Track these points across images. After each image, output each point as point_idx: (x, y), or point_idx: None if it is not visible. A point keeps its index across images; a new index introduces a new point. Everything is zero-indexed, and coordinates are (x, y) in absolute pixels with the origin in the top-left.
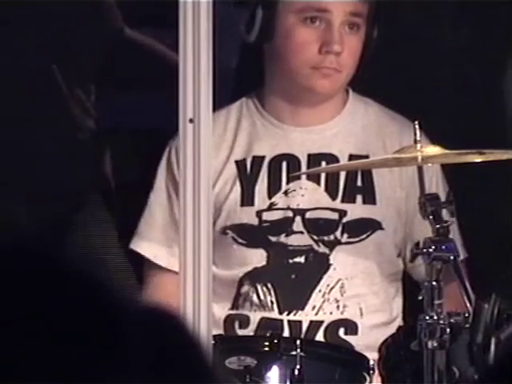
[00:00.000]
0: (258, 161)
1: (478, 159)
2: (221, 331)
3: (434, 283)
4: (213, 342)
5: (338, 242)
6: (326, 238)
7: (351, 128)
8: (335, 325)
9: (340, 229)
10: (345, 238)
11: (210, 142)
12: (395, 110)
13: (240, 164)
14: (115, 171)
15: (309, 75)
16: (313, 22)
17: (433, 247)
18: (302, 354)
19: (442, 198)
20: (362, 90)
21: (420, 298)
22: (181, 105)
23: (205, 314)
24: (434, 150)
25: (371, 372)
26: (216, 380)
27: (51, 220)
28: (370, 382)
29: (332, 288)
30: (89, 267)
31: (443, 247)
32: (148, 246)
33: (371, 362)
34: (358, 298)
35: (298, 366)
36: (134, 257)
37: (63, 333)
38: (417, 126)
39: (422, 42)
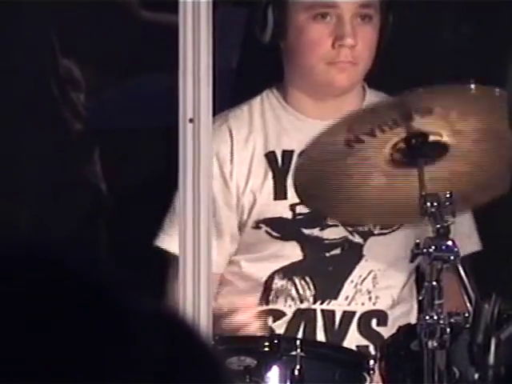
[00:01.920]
0: (287, 154)
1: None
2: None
3: (434, 283)
4: (213, 342)
5: (371, 233)
6: (360, 229)
7: None
8: (368, 316)
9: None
10: (378, 230)
11: (210, 142)
12: None
13: (270, 157)
14: (114, 172)
15: (325, 71)
16: (324, 18)
17: (433, 247)
18: (301, 354)
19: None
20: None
21: (420, 298)
22: (181, 105)
23: (205, 315)
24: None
25: (371, 372)
26: (226, 380)
27: (46, 221)
28: (370, 382)
29: (364, 279)
30: (97, 269)
31: (443, 247)
32: (172, 241)
33: (371, 362)
34: (390, 289)
35: (297, 366)
36: (157, 254)
37: (71, 335)
38: None
39: (423, 40)
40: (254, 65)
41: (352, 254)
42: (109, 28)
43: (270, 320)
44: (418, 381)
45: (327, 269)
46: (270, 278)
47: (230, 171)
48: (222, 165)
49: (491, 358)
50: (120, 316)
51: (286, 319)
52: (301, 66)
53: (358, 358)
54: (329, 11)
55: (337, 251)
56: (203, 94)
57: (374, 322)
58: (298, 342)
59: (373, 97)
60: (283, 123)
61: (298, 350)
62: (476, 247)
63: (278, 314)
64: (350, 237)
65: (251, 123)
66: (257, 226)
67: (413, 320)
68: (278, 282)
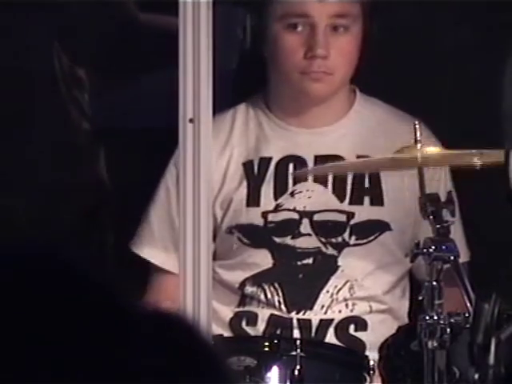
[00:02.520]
0: (264, 162)
1: (479, 160)
2: (227, 331)
3: (434, 283)
4: (213, 341)
5: (346, 244)
6: (334, 240)
7: (358, 129)
8: (346, 322)
9: (348, 231)
10: (353, 240)
11: (210, 142)
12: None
13: (247, 165)
14: (115, 172)
15: (299, 81)
16: (296, 28)
17: (433, 247)
18: (301, 354)
19: (443, 197)
20: (368, 90)
21: (420, 298)
22: (181, 105)
23: (205, 315)
24: (434, 150)
25: (371, 372)
26: (229, 380)
27: (50, 221)
28: (370, 382)
29: (340, 289)
30: (97, 272)
31: (443, 247)
32: (146, 248)
33: (371, 362)
34: (367, 299)
35: (298, 366)
36: (136, 258)
37: (71, 337)
38: (417, 126)
39: (423, 41)
40: (254, 66)
41: (326, 265)
42: (109, 28)
43: (244, 323)
44: (417, 381)
45: (297, 276)
46: (242, 284)
47: None
48: None
49: (491, 358)
50: (121, 316)
51: (261, 325)
52: (278, 74)
53: (358, 358)
54: (301, 21)
55: (308, 261)
56: (203, 94)
57: (351, 327)
58: (297, 342)
59: (364, 102)
60: (265, 131)
61: (298, 350)
62: (465, 258)
63: (251, 316)
64: (324, 249)
65: (232, 130)
66: (230, 231)
67: (395, 325)
68: (249, 289)
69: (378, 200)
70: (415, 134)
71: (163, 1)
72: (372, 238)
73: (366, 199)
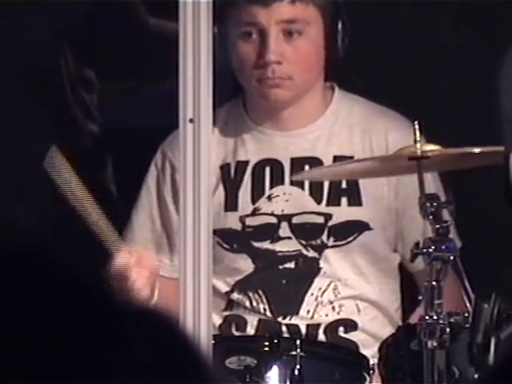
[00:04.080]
0: (242, 166)
1: (479, 161)
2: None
3: (434, 283)
4: (213, 341)
5: (325, 246)
6: (313, 243)
7: (334, 129)
8: (334, 325)
9: (326, 233)
10: (331, 242)
11: (210, 142)
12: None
13: (224, 169)
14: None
15: (257, 87)
16: (249, 36)
17: (433, 247)
18: (301, 353)
19: (441, 196)
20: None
21: (420, 298)
22: (181, 105)
23: (205, 315)
24: (434, 150)
25: (371, 372)
26: (214, 380)
27: (51, 222)
28: (370, 382)
29: (324, 291)
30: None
31: (443, 247)
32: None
33: (371, 362)
34: (353, 298)
35: (297, 366)
36: None
37: (61, 335)
38: (417, 126)
39: (422, 41)
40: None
41: (308, 268)
42: (119, 30)
43: (233, 327)
44: (417, 381)
45: (280, 282)
46: (228, 292)
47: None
48: (174, 172)
49: (491, 358)
50: (109, 316)
51: (250, 331)
52: (241, 81)
53: (358, 358)
54: (252, 29)
55: (290, 265)
56: (203, 94)
57: (341, 329)
58: (297, 342)
59: (342, 100)
60: (242, 134)
61: (298, 350)
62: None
63: (240, 321)
64: (305, 251)
65: (212, 133)
66: None
67: (386, 322)
68: (235, 296)
69: (355, 200)
70: (415, 134)
71: (163, 1)
72: (351, 238)
73: (344, 200)
